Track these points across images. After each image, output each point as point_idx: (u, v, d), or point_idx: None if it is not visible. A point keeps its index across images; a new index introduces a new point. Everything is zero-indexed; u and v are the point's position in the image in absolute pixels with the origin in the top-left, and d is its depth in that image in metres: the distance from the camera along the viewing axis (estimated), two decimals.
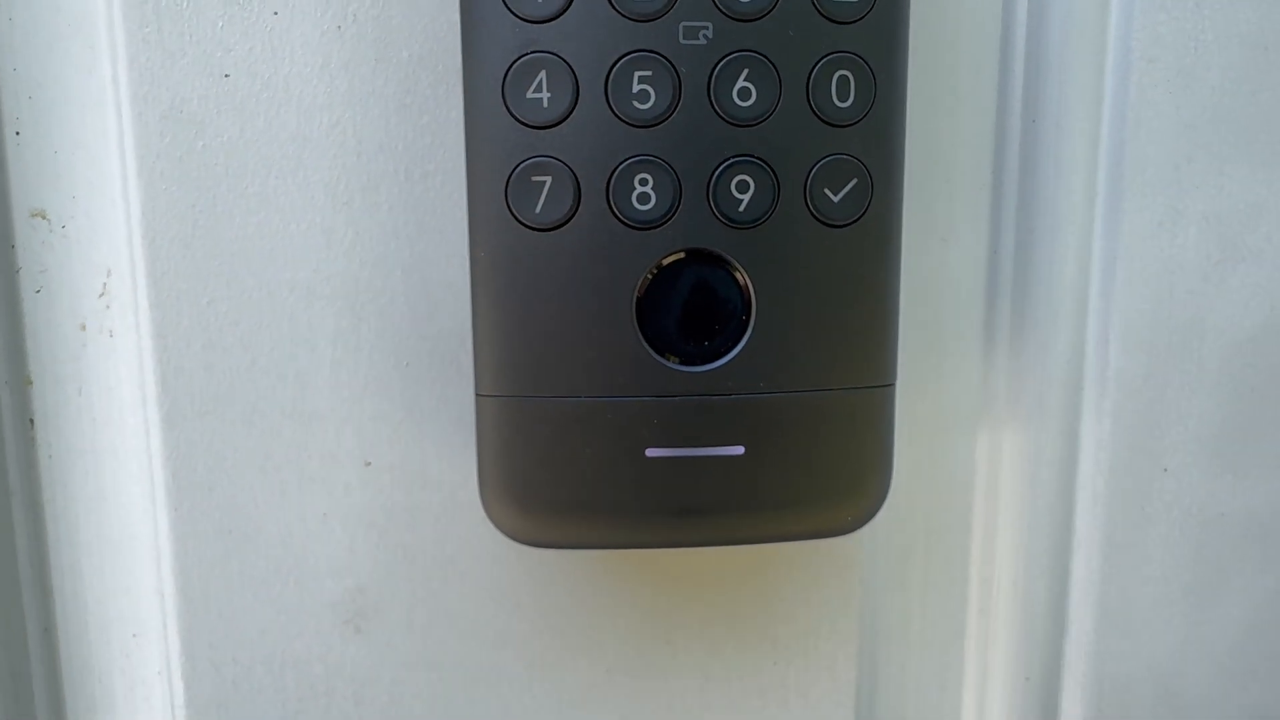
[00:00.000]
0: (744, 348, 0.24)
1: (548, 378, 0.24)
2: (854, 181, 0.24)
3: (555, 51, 0.22)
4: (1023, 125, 0.29)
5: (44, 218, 0.28)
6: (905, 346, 0.30)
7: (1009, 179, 0.30)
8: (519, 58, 0.22)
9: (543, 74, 0.22)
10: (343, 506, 0.29)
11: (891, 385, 0.25)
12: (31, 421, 0.29)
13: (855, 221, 0.24)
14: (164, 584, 0.29)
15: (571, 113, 0.23)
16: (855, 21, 0.23)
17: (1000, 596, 0.32)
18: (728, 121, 0.23)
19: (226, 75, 0.26)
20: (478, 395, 0.24)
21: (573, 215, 0.23)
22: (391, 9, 0.26)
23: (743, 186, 0.23)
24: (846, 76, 0.23)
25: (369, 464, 0.28)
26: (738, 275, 0.24)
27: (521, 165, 0.23)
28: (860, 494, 0.25)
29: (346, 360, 0.28)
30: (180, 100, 0.26)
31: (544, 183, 0.23)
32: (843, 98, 0.23)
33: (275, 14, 0.26)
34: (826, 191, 0.23)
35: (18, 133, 0.27)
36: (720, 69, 0.23)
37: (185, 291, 0.27)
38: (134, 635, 0.30)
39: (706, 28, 0.22)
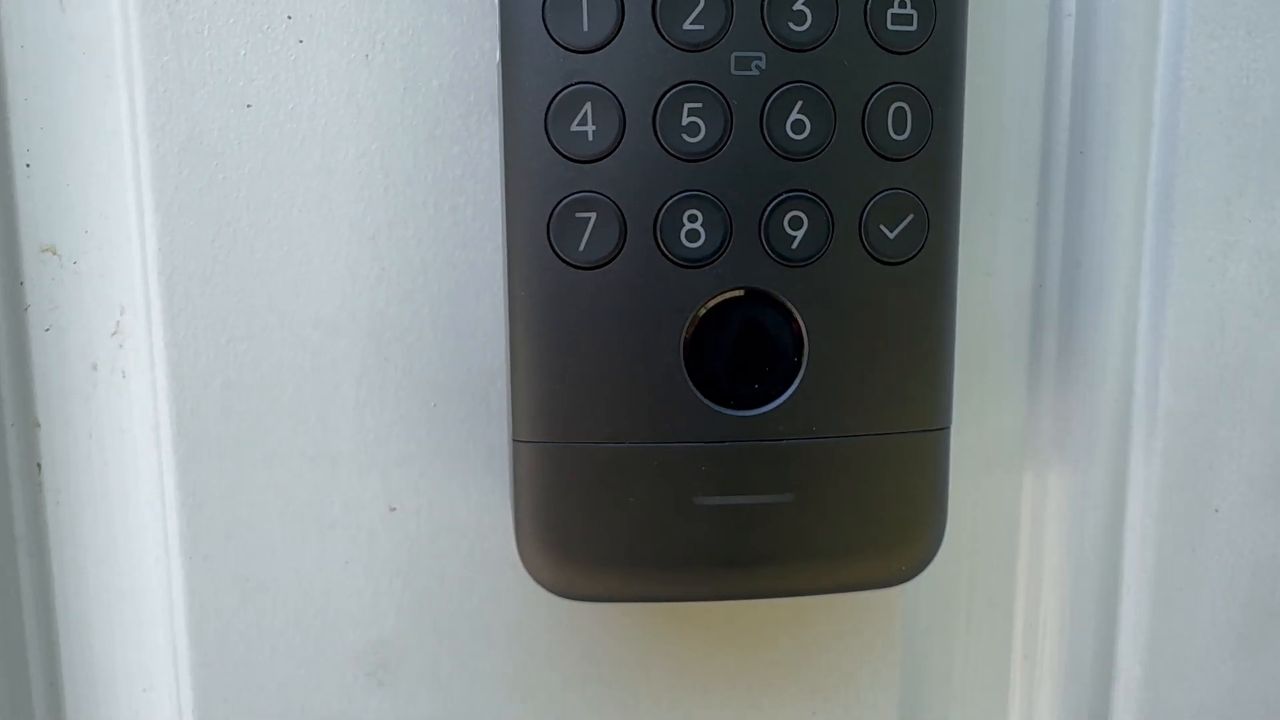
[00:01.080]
0: (796, 391, 0.23)
1: (590, 423, 0.23)
2: (910, 217, 0.23)
3: (601, 83, 0.21)
4: (1069, 156, 0.28)
5: (55, 253, 0.27)
6: None
7: (1055, 211, 0.29)
8: (563, 89, 0.21)
9: (588, 106, 0.21)
10: (366, 554, 0.27)
11: (947, 429, 0.24)
12: (39, 466, 0.27)
13: (912, 259, 0.23)
14: (177, 636, 0.27)
15: (618, 146, 0.22)
16: (911, 52, 0.22)
17: (1046, 642, 0.31)
18: (781, 155, 0.22)
19: (249, 105, 0.25)
20: (514, 441, 0.23)
21: (618, 253, 0.22)
22: (421, 37, 0.25)
23: (796, 223, 0.22)
24: (903, 108, 0.22)
25: (394, 509, 0.27)
26: (790, 315, 0.23)
27: (565, 201, 0.22)
28: (914, 542, 0.24)
29: (371, 401, 0.27)
30: (200, 131, 0.25)
31: (588, 219, 0.22)
32: (899, 130, 0.22)
33: (300, 42, 0.25)
34: (882, 228, 0.22)
35: (28, 165, 0.26)
36: (773, 101, 0.22)
37: (203, 330, 0.26)
38: (144, 690, 0.29)
39: (759, 58, 0.22)
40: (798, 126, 0.22)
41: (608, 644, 0.28)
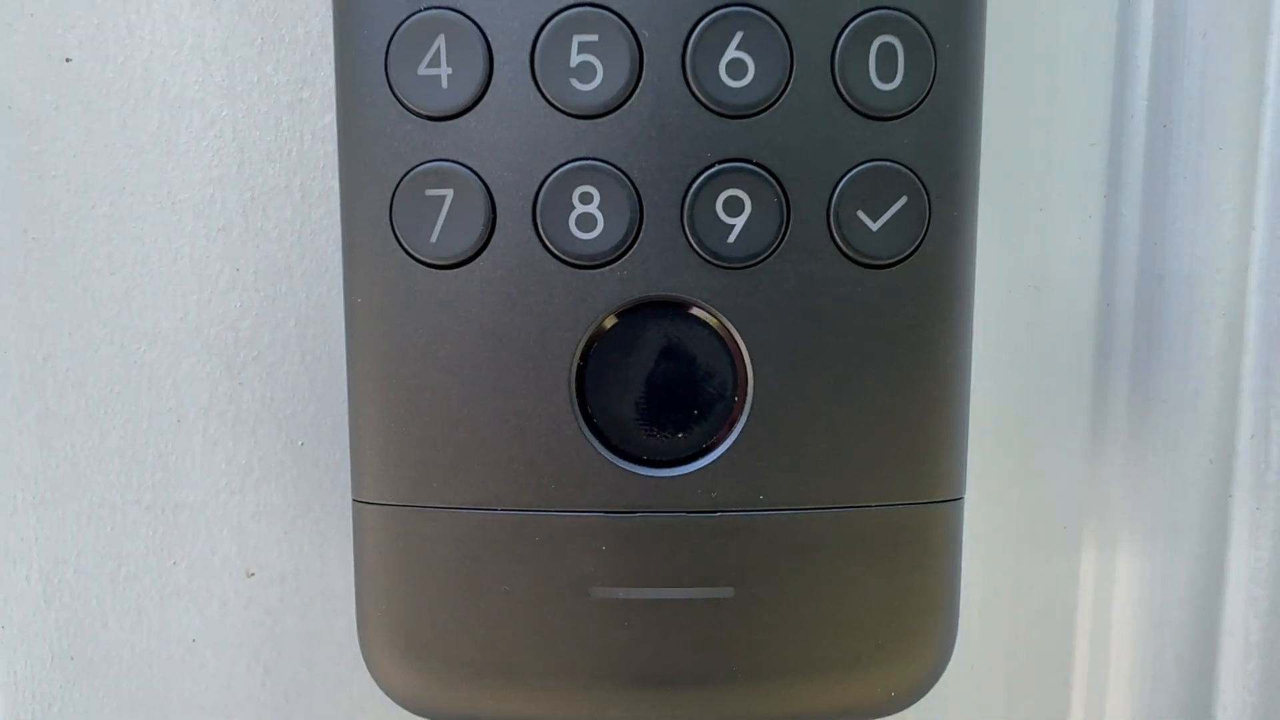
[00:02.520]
0: (735, 443, 0.16)
1: (451, 481, 0.16)
2: (903, 200, 0.16)
3: (457, 7, 0.15)
4: (1148, 131, 0.21)
5: None
6: (979, 424, 0.22)
7: (1129, 202, 0.22)
8: (409, 17, 0.15)
9: (440, 40, 0.15)
10: (217, 630, 0.22)
11: (958, 500, 0.17)
12: None
13: (904, 259, 0.16)
14: None
15: (483, 97, 0.15)
16: None
17: None
18: (712, 110, 0.15)
19: (68, 60, 0.20)
20: (355, 501, 0.17)
21: (484, 246, 0.16)
22: None
23: (734, 207, 0.16)
24: (891, 45, 0.16)
25: (252, 575, 0.21)
26: (726, 336, 0.16)
27: (412, 173, 0.16)
28: (908, 658, 0.17)
29: (223, 437, 0.21)
30: (9, 92, 0.20)
31: (442, 198, 0.16)
32: (886, 77, 0.16)
33: None
34: (861, 215, 0.16)
35: None
36: (701, 31, 0.15)
37: (15, 343, 0.21)
38: None
39: None
40: (736, 68, 0.15)
41: None
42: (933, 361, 0.17)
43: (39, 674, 0.22)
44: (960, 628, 0.20)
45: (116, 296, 0.21)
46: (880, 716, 0.17)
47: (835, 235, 0.16)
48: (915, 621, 0.17)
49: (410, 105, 0.16)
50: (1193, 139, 0.21)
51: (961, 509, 0.17)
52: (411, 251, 0.16)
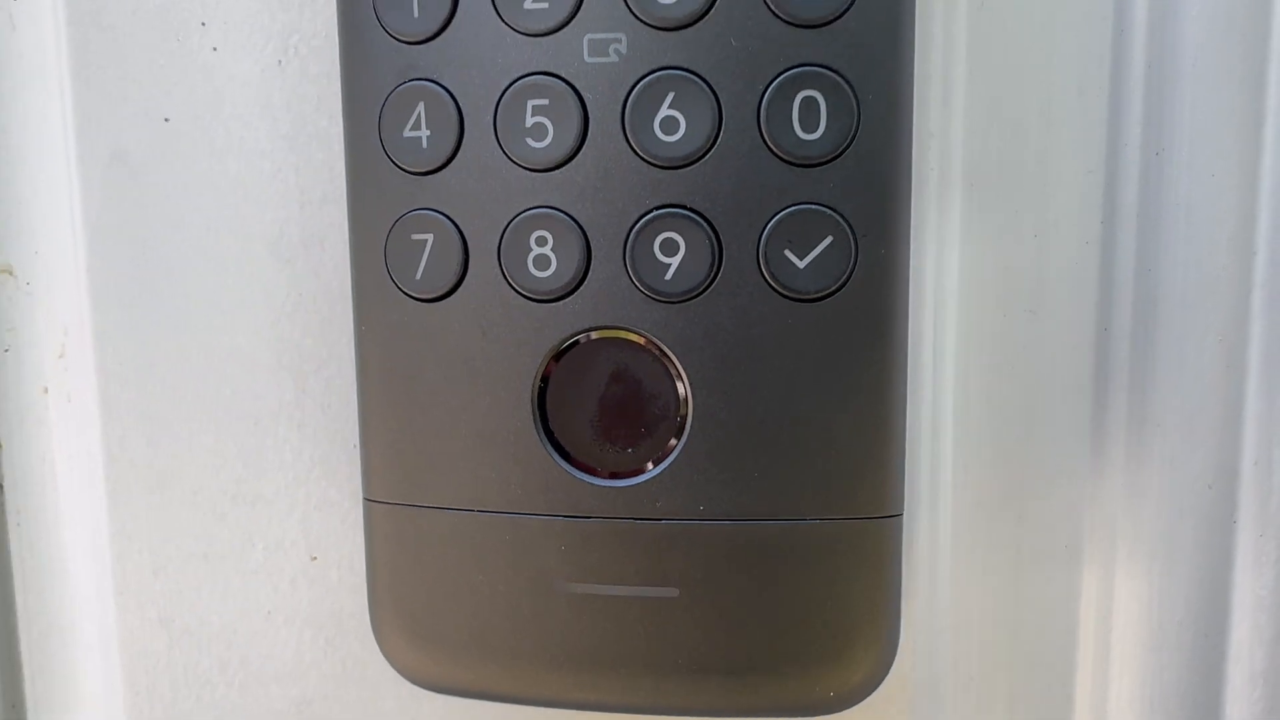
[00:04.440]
0: (677, 458, 0.18)
1: (440, 484, 0.19)
2: (828, 240, 0.17)
3: (435, 78, 0.18)
4: (1142, 159, 0.21)
5: (10, 274, 0.26)
6: (978, 447, 0.23)
7: (1124, 227, 0.22)
8: (396, 87, 0.18)
9: (421, 107, 0.18)
10: (288, 604, 0.25)
11: (894, 517, 0.18)
12: (1, 486, 0.27)
13: (832, 293, 0.17)
14: (110, 673, 0.26)
15: (455, 155, 0.18)
16: (827, 23, 0.17)
17: None
18: (649, 162, 0.17)
19: (167, 119, 0.24)
20: (366, 500, 0.20)
21: (459, 283, 0.18)
22: (334, 40, 0.23)
23: (670, 247, 0.17)
24: (813, 98, 0.17)
25: (315, 558, 0.25)
26: (667, 362, 0.18)
27: (401, 220, 0.18)
28: (844, 663, 0.18)
29: (291, 438, 0.24)
30: (122, 148, 0.24)
31: (425, 242, 0.18)
32: (809, 127, 0.17)
33: (214, 50, 0.23)
34: (788, 254, 0.17)
35: None
36: (637, 93, 0.17)
37: (130, 357, 0.25)
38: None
39: (619, 40, 0.17)
40: (669, 125, 0.17)
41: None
42: (865, 387, 0.18)
43: (147, 634, 0.26)
44: (960, 644, 0.21)
45: (204, 316, 0.24)
46: (818, 715, 0.19)
47: (765, 272, 0.17)
48: (852, 628, 0.18)
49: (399, 163, 0.18)
50: (1184, 166, 0.21)
51: (899, 525, 0.18)
52: (401, 287, 0.19)
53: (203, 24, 0.23)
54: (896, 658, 0.20)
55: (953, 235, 0.21)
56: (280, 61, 0.23)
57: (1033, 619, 0.23)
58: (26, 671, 0.28)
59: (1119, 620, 0.23)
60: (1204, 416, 0.22)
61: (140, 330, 0.25)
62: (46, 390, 0.26)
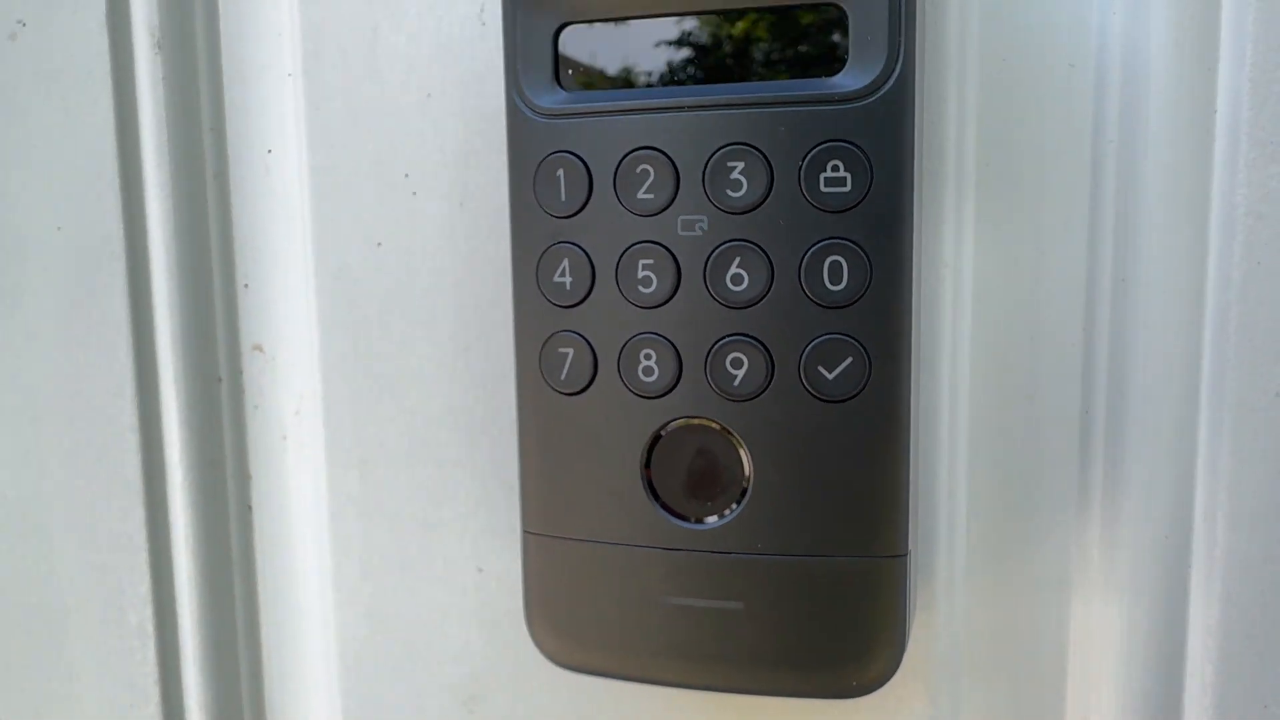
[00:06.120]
0: (742, 511, 0.25)
1: (575, 522, 0.27)
2: (849, 360, 0.24)
3: (576, 242, 0.26)
4: (1113, 285, 0.28)
5: (261, 350, 0.35)
6: (989, 502, 0.29)
7: (1099, 337, 0.28)
8: (548, 247, 0.26)
9: (565, 261, 0.26)
10: (459, 607, 0.33)
11: (901, 556, 0.25)
12: (250, 508, 0.36)
13: (853, 397, 0.25)
14: (328, 654, 0.35)
15: (589, 295, 0.26)
16: (846, 210, 0.24)
17: None
18: (722, 304, 0.25)
19: (379, 244, 0.32)
20: (524, 531, 0.28)
21: (591, 383, 0.26)
22: (502, 186, 0.31)
23: (737, 363, 0.25)
24: (839, 262, 0.24)
25: (481, 570, 0.33)
26: (735, 443, 0.25)
27: (551, 338, 0.26)
28: (863, 661, 0.25)
29: (464, 480, 0.33)
30: (346, 264, 0.33)
31: (568, 354, 0.26)
32: (835, 281, 0.24)
33: (414, 194, 0.32)
34: (820, 369, 0.25)
35: (246, 285, 0.35)
36: (714, 257, 0.25)
37: (350, 417, 0.33)
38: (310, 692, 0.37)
39: (702, 220, 0.25)
40: (737, 279, 0.25)
41: (649, 697, 0.32)
42: (879, 461, 0.25)
43: (356, 624, 0.34)
44: (970, 660, 0.28)
45: (402, 389, 0.33)
46: (846, 698, 0.26)
47: (804, 381, 0.25)
48: (868, 636, 0.25)
49: (550, 299, 0.26)
50: (1145, 290, 0.27)
51: (904, 563, 0.25)
52: (550, 384, 0.26)
53: (406, 175, 0.32)
54: (918, 659, 0.27)
55: (964, 347, 0.28)
56: (462, 204, 0.32)
57: (1030, 636, 0.30)
58: (265, 648, 0.37)
59: (1099, 639, 0.29)
60: (1163, 482, 0.28)
61: (356, 396, 0.33)
62: (285, 438, 0.36)
